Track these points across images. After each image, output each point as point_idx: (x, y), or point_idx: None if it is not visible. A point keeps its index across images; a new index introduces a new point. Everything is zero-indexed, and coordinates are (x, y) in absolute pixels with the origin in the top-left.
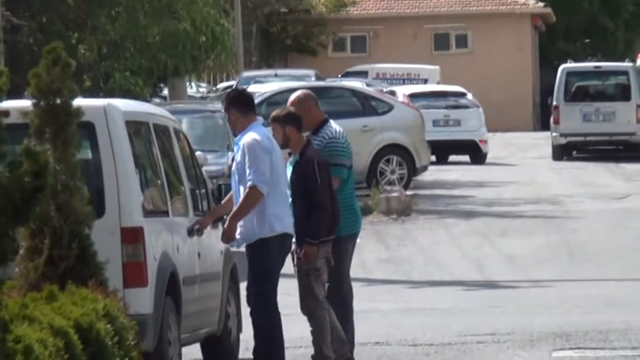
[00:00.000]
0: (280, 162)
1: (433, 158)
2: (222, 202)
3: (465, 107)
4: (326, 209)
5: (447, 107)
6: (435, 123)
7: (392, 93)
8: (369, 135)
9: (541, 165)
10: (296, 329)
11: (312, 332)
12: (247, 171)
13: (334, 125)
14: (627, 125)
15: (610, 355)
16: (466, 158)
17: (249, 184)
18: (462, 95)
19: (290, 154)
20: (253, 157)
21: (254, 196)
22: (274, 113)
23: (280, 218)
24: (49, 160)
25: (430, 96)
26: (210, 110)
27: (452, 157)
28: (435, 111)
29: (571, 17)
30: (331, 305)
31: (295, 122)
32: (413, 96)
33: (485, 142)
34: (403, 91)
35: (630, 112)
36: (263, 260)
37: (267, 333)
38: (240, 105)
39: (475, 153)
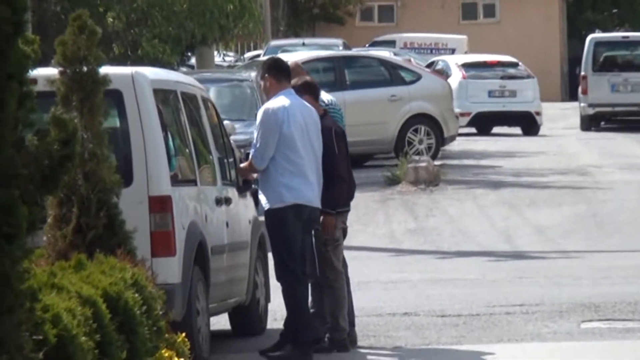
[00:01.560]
0: (301, 131)
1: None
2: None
3: (521, 77)
4: (344, 179)
5: (502, 78)
6: (490, 93)
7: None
8: (397, 104)
9: (569, 135)
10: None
11: (328, 302)
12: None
13: (325, 94)
14: None
15: (639, 326)
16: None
17: (250, 155)
18: (515, 65)
19: None
20: (258, 130)
21: (250, 168)
22: (291, 82)
23: (293, 189)
24: (76, 128)
25: (482, 66)
26: (238, 79)
27: (497, 129)
28: (491, 81)
29: None
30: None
31: (312, 91)
32: (465, 66)
33: (540, 113)
34: (455, 61)
35: None
36: (278, 230)
37: (290, 303)
38: (276, 72)
39: (530, 125)
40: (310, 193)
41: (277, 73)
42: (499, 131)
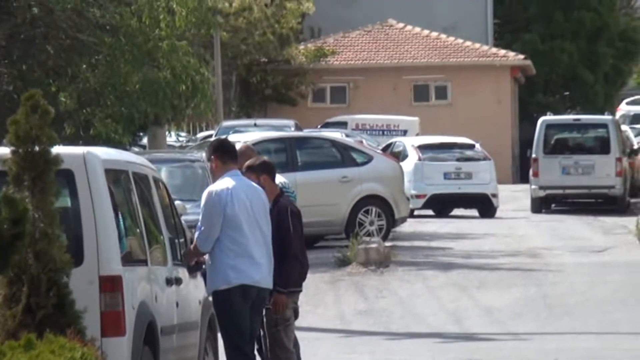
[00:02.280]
0: (246, 212)
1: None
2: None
3: (477, 159)
4: (297, 258)
5: (459, 160)
6: (446, 175)
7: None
8: (348, 185)
9: (520, 217)
10: None
11: None
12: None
13: (278, 175)
14: (606, 179)
15: None
16: (472, 212)
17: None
18: (472, 147)
19: None
20: (202, 212)
21: (194, 252)
22: (248, 162)
23: (238, 270)
24: (27, 208)
25: (439, 148)
26: (189, 159)
27: (455, 211)
28: (447, 163)
29: (551, 70)
30: None
31: (269, 171)
32: (422, 147)
33: (497, 195)
34: (412, 142)
35: (609, 165)
36: (225, 311)
37: None
38: (222, 153)
39: (486, 207)
40: (257, 273)
41: (223, 154)
42: (457, 213)
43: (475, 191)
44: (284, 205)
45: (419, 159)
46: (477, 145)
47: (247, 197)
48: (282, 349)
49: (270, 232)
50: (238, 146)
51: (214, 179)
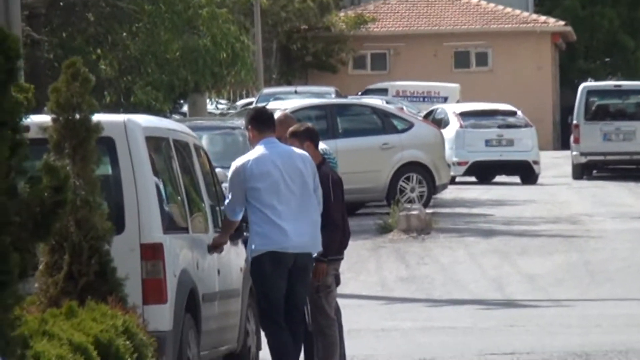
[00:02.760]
0: (271, 180)
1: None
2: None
3: (519, 126)
4: (338, 226)
5: (500, 127)
6: (488, 143)
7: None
8: (389, 152)
9: (561, 184)
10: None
11: (319, 350)
12: None
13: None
14: None
15: None
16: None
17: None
18: (513, 114)
19: None
20: (228, 185)
21: (225, 221)
22: (292, 128)
23: (264, 236)
24: (69, 176)
25: (480, 115)
26: (230, 126)
27: (498, 178)
28: (488, 130)
29: (591, 36)
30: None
31: (313, 137)
32: (463, 115)
33: (538, 162)
34: (453, 109)
35: None
36: (254, 278)
37: (272, 350)
38: (258, 122)
39: (528, 174)
40: (285, 240)
41: (259, 123)
42: (498, 180)
43: (517, 158)
44: (325, 174)
45: (461, 126)
46: (519, 112)
47: (277, 163)
48: (324, 315)
49: (312, 196)
50: (277, 114)
51: (251, 148)
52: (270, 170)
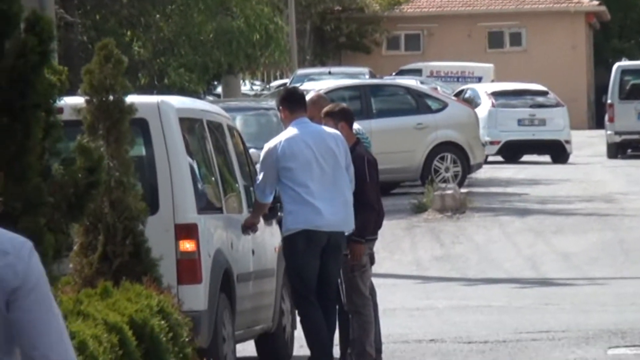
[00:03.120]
0: (304, 160)
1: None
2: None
3: (550, 105)
4: (373, 207)
5: (532, 106)
6: (520, 122)
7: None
8: (423, 133)
9: (596, 163)
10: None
11: (354, 329)
12: None
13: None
14: None
15: None
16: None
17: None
18: (545, 93)
19: None
20: (259, 166)
21: (256, 203)
22: (327, 108)
23: (297, 215)
24: (102, 157)
25: (512, 95)
26: (263, 107)
27: (526, 157)
28: (520, 110)
29: (626, 15)
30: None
31: (348, 118)
32: (495, 94)
33: (570, 142)
34: (484, 89)
35: None
36: (287, 257)
37: (305, 328)
38: (290, 103)
39: (560, 153)
40: (319, 218)
41: (290, 104)
42: (528, 159)
43: (549, 137)
44: (360, 155)
45: (493, 106)
46: (550, 92)
47: (309, 143)
48: (358, 294)
49: (344, 175)
50: (310, 95)
51: (284, 128)
52: (303, 150)
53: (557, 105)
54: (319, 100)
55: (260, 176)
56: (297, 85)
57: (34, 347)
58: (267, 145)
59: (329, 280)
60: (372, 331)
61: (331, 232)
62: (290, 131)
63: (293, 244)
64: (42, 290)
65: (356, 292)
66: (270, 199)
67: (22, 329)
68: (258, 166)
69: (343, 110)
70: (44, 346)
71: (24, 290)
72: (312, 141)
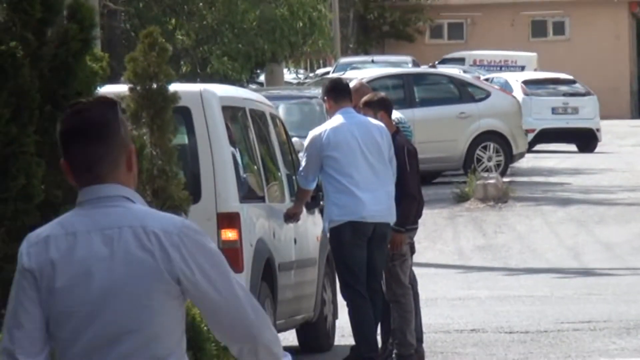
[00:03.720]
0: (349, 150)
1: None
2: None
3: (581, 94)
4: (414, 197)
5: (564, 95)
6: (554, 110)
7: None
8: (466, 122)
9: (639, 152)
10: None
11: (395, 319)
12: None
13: (394, 111)
14: None
15: None
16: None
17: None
18: (572, 82)
19: None
20: (304, 153)
21: (299, 190)
22: (365, 98)
23: (341, 206)
24: (145, 145)
25: (542, 83)
26: (307, 96)
27: (552, 146)
28: (554, 98)
29: None
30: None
31: (387, 107)
32: (527, 83)
33: (600, 130)
34: (515, 78)
35: None
36: (334, 249)
37: (352, 319)
38: (335, 94)
39: (590, 141)
40: (363, 209)
41: (336, 95)
42: (555, 147)
43: (582, 126)
44: (400, 144)
45: (526, 94)
46: (578, 81)
47: (354, 133)
48: (398, 284)
49: (388, 167)
50: (353, 83)
51: (329, 118)
52: (348, 140)
53: (586, 94)
54: (361, 88)
55: (303, 163)
56: (340, 73)
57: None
58: (312, 133)
59: (375, 271)
60: (412, 320)
61: (377, 223)
62: (336, 120)
63: (339, 236)
64: (214, 263)
65: (396, 281)
66: (313, 186)
67: (208, 304)
68: (301, 155)
69: (382, 99)
70: (241, 316)
71: (192, 268)
72: (357, 132)
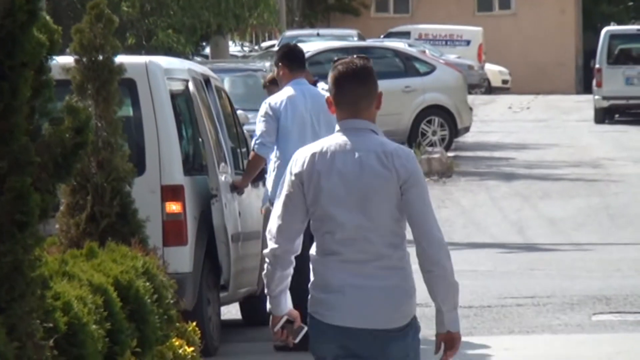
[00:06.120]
0: (302, 122)
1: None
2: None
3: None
4: None
5: None
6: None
7: None
8: (411, 96)
9: (583, 128)
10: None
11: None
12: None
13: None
14: None
15: None
16: None
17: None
18: None
19: None
20: (257, 121)
21: (253, 159)
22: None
23: None
24: (90, 117)
25: None
26: (252, 69)
27: None
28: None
29: None
30: None
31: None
32: None
33: None
34: None
35: None
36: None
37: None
38: (289, 61)
39: None
40: None
41: (290, 62)
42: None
43: None
44: None
45: None
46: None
47: (307, 105)
48: None
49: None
50: None
51: (280, 86)
52: (302, 112)
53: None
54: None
55: (259, 131)
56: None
57: (421, 224)
58: (268, 101)
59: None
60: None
61: None
62: (289, 91)
63: None
64: (421, 185)
65: None
66: (270, 153)
67: (411, 209)
68: (247, 127)
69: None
70: (427, 223)
71: (409, 182)
72: (310, 104)
